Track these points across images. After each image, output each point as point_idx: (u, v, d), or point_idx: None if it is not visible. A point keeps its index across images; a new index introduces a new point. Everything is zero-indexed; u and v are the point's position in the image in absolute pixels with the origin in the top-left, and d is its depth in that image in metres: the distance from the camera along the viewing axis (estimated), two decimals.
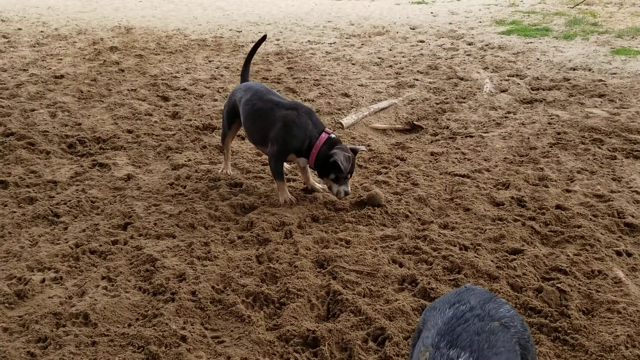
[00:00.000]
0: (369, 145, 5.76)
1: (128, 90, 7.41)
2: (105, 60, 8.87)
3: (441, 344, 1.67)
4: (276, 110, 4.48)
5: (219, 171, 5.07)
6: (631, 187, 4.66)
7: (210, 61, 9.15)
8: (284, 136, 4.40)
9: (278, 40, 10.90)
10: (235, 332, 3.02)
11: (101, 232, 4.00)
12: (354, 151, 4.52)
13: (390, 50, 9.99)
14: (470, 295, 1.88)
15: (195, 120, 6.33)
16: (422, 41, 10.62)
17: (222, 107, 5.08)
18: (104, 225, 4.09)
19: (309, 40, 10.83)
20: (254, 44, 5.16)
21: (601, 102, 6.86)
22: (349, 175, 4.42)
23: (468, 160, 5.32)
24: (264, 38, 5.37)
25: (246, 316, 3.11)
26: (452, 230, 4.04)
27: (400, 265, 3.64)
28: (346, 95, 7.28)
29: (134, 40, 10.55)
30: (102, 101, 6.97)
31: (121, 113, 6.53)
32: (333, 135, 4.46)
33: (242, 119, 4.72)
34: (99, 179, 4.87)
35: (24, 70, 8.22)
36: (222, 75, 8.27)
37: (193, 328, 3.00)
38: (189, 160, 5.35)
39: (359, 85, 7.72)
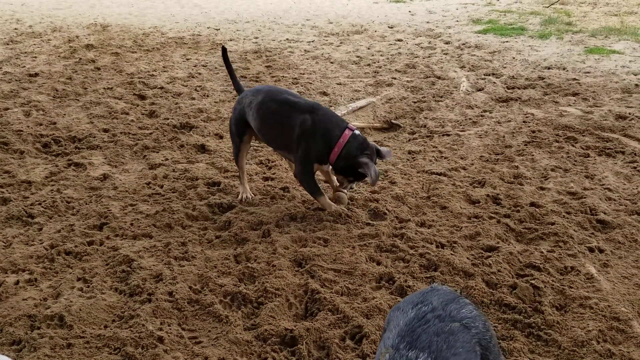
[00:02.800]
0: None
1: (104, 88, 7.33)
2: (80, 58, 8.76)
3: (401, 345, 1.69)
4: (293, 116, 4.11)
5: (238, 197, 4.52)
6: (603, 185, 4.75)
7: (187, 59, 9.08)
8: (305, 148, 4.09)
9: (256, 38, 10.86)
10: (213, 332, 3.01)
11: (77, 232, 3.95)
12: (380, 155, 4.20)
13: (369, 49, 10.03)
14: (433, 295, 1.90)
15: (172, 119, 6.29)
16: (400, 40, 10.68)
17: (229, 121, 4.62)
18: (80, 226, 4.05)
19: (287, 39, 10.81)
20: (223, 58, 4.76)
21: (575, 100, 6.97)
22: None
23: (445, 158, 5.37)
24: (224, 50, 4.79)
25: (224, 316, 3.11)
26: (429, 228, 4.08)
27: (378, 264, 3.66)
28: (324, 93, 7.29)
29: (110, 37, 10.43)
30: (78, 100, 6.88)
31: (97, 112, 6.45)
32: (357, 132, 4.12)
33: (256, 125, 4.28)
34: (74, 179, 4.82)
35: None
36: (199, 74, 8.22)
37: (170, 329, 2.99)
38: (166, 159, 5.32)
39: (338, 84, 7.74)
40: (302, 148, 4.11)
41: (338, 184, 4.39)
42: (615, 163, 5.18)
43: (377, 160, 4.27)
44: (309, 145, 4.09)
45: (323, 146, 4.10)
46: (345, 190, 4.46)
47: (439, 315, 1.78)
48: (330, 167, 4.28)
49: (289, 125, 4.13)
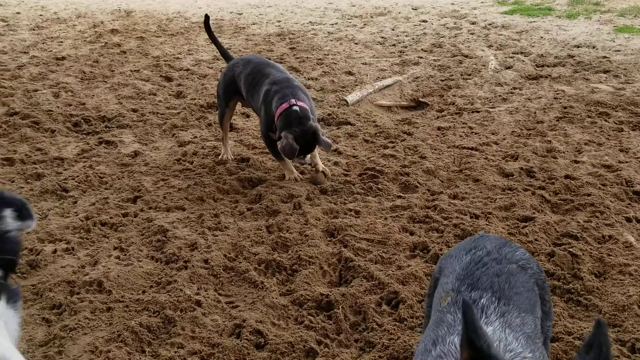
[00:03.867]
0: (374, 122, 5.74)
1: (131, 71, 7.37)
2: (106, 43, 8.82)
3: (462, 288, 1.67)
4: (263, 85, 4.34)
5: (219, 157, 4.79)
6: (638, 157, 4.65)
7: (212, 43, 9.08)
8: (263, 115, 4.34)
9: (279, 22, 10.83)
10: (249, 297, 3.02)
11: (111, 205, 3.99)
12: (317, 141, 4.07)
13: (393, 30, 9.93)
14: (485, 241, 1.88)
15: (199, 99, 6.30)
16: (424, 21, 10.56)
17: (217, 86, 4.92)
18: (114, 199, 4.09)
19: (310, 22, 10.76)
20: (205, 28, 5.21)
21: (606, 77, 6.83)
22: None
23: (475, 134, 5.31)
24: (207, 18, 5.22)
25: (259, 282, 3.11)
26: (462, 200, 4.04)
27: (411, 234, 3.64)
28: (350, 73, 7.25)
29: (135, 23, 10.48)
30: (105, 82, 6.93)
31: (125, 93, 6.50)
32: (296, 108, 4.06)
33: (244, 92, 4.55)
34: (106, 156, 4.86)
35: (25, 52, 8.16)
36: None
37: (207, 294, 3.01)
38: (195, 137, 5.34)
39: (363, 64, 7.69)
40: (262, 115, 4.38)
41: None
42: None
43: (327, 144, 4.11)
44: (265, 113, 4.31)
45: (269, 116, 4.27)
46: (318, 168, 4.36)
47: (496, 258, 1.76)
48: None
49: (257, 93, 4.39)
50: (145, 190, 4.21)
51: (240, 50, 8.52)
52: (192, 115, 5.87)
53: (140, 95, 6.41)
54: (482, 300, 1.60)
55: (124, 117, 5.75)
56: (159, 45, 8.84)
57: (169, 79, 7.09)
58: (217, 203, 4.07)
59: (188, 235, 3.59)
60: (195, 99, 6.32)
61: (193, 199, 4.12)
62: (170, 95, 6.50)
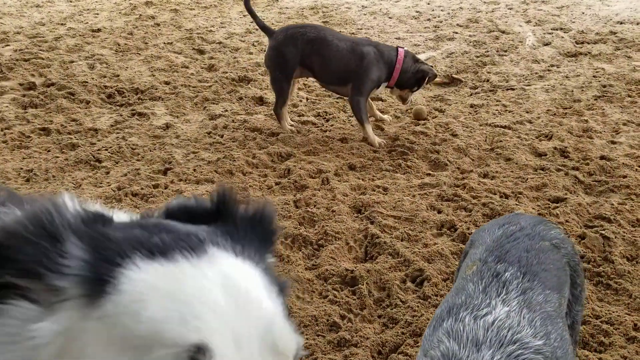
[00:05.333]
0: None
1: (164, 43, 7.42)
2: (140, 15, 8.87)
3: (489, 259, 1.65)
4: (356, 48, 4.59)
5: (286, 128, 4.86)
6: None
7: (244, 15, 9.05)
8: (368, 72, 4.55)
9: None
10: (275, 270, 3.05)
11: (142, 176, 4.06)
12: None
13: (429, 4, 9.73)
14: (520, 217, 1.85)
15: (231, 72, 6.31)
16: None
17: (265, 60, 4.99)
18: (145, 170, 4.15)
19: None
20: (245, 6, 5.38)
21: None
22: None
23: (509, 112, 5.19)
24: None
25: (285, 256, 3.14)
26: (492, 179, 3.98)
27: (439, 212, 3.61)
28: None
29: None
30: (139, 54, 7.00)
31: (158, 65, 6.55)
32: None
33: (313, 60, 4.66)
34: (138, 127, 4.93)
35: (62, 24, 8.28)
36: (257, 29, 8.17)
37: None
38: (226, 110, 5.36)
39: (396, 39, 7.56)
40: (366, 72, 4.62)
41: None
42: None
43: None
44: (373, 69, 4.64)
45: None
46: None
47: (528, 234, 1.74)
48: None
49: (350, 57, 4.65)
50: (175, 163, 4.27)
51: (272, 24, 8.48)
52: (224, 88, 5.89)
53: (172, 68, 6.46)
54: (506, 274, 1.58)
55: (156, 89, 5.80)
56: (192, 17, 8.86)
57: (201, 52, 7.11)
58: (246, 177, 4.10)
59: None
60: (227, 72, 6.33)
61: (222, 172, 4.15)
62: (202, 68, 6.52)
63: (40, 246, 0.67)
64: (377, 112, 5.08)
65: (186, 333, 0.65)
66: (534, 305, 1.50)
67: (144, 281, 0.67)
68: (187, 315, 0.66)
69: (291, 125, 4.95)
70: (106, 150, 4.47)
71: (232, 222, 0.86)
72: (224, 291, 0.70)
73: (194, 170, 4.18)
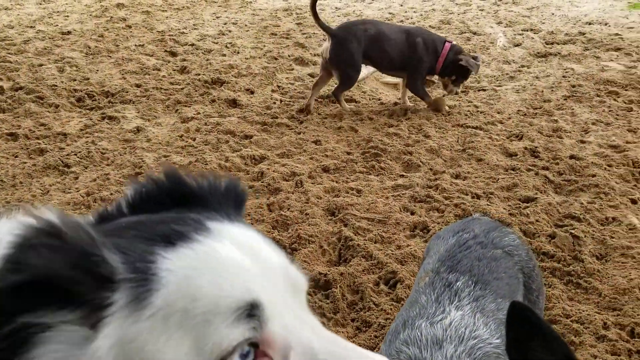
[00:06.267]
0: (379, 99, 5.68)
1: (135, 45, 7.32)
2: (112, 17, 8.75)
3: (441, 269, 1.66)
4: (413, 39, 5.17)
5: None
6: None
7: (218, 17, 9.00)
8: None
9: None
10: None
11: (112, 181, 4.00)
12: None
13: (402, 5, 9.78)
14: (475, 224, 1.86)
15: (203, 75, 6.26)
16: None
17: (326, 55, 5.19)
18: (115, 175, 4.09)
19: None
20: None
21: (617, 55, 6.71)
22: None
23: (481, 112, 5.24)
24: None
25: None
26: (464, 180, 4.01)
27: (412, 213, 3.62)
28: None
29: None
30: (110, 57, 6.89)
31: (129, 68, 6.46)
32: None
33: (374, 53, 5.19)
34: (108, 132, 4.85)
35: (31, 27, 8.11)
36: (230, 31, 8.14)
37: None
38: (198, 113, 5.31)
39: None
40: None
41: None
42: None
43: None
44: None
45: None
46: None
47: (481, 242, 1.74)
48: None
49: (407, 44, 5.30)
50: (146, 167, 4.21)
51: (246, 25, 8.44)
52: (196, 91, 5.84)
53: (144, 71, 6.38)
54: (458, 283, 1.58)
55: (127, 92, 5.72)
56: (165, 19, 8.76)
57: (173, 54, 7.04)
58: None
59: None
60: (199, 74, 6.28)
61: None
62: (175, 70, 6.45)
63: (82, 267, 0.66)
64: (406, 98, 5.58)
65: (238, 296, 0.70)
66: (487, 311, 1.51)
67: (181, 267, 0.71)
68: (232, 281, 0.72)
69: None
70: (75, 155, 4.39)
71: (205, 198, 0.91)
72: (244, 253, 0.76)
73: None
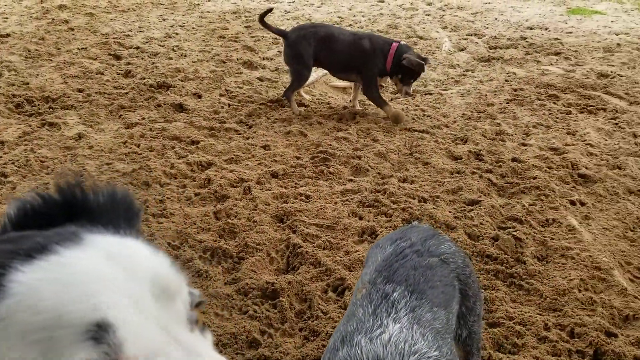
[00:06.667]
0: (328, 103, 5.69)
1: (78, 49, 7.10)
2: (53, 19, 8.45)
3: (378, 280, 1.66)
4: (360, 41, 5.24)
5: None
6: (585, 140, 4.75)
7: (164, 19, 8.83)
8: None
9: None
10: (193, 287, 2.96)
11: (51, 191, 3.84)
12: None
13: (350, 9, 9.85)
14: (413, 232, 1.87)
15: (149, 78, 6.12)
16: (381, 1, 10.50)
17: (285, 56, 5.47)
18: (54, 185, 3.93)
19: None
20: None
21: (557, 59, 6.94)
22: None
23: (427, 116, 5.32)
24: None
25: (204, 271, 3.06)
26: (411, 184, 4.05)
27: (360, 218, 3.63)
28: None
29: None
30: (51, 60, 6.66)
31: (71, 72, 6.25)
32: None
33: (323, 54, 5.29)
34: (48, 139, 4.68)
35: None
36: (177, 34, 8.00)
37: None
38: (143, 118, 5.18)
39: None
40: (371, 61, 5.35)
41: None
42: (597, 120, 5.18)
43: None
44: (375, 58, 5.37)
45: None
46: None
47: (417, 250, 1.75)
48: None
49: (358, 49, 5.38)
50: (88, 175, 4.07)
51: (193, 27, 8.31)
52: (141, 95, 5.70)
53: (86, 75, 6.19)
54: (395, 294, 1.59)
55: (69, 97, 5.53)
56: (109, 22, 8.53)
57: (117, 58, 6.86)
58: (164, 188, 3.97)
59: None
60: (144, 78, 6.14)
61: (138, 184, 4.01)
62: (119, 74, 6.29)
63: None
64: (357, 102, 5.67)
65: (82, 312, 0.65)
66: (424, 322, 1.51)
67: (32, 278, 0.67)
68: (78, 295, 0.66)
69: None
70: (13, 163, 4.21)
71: (95, 211, 0.87)
72: (109, 263, 0.71)
73: (107, 183, 4.00)
